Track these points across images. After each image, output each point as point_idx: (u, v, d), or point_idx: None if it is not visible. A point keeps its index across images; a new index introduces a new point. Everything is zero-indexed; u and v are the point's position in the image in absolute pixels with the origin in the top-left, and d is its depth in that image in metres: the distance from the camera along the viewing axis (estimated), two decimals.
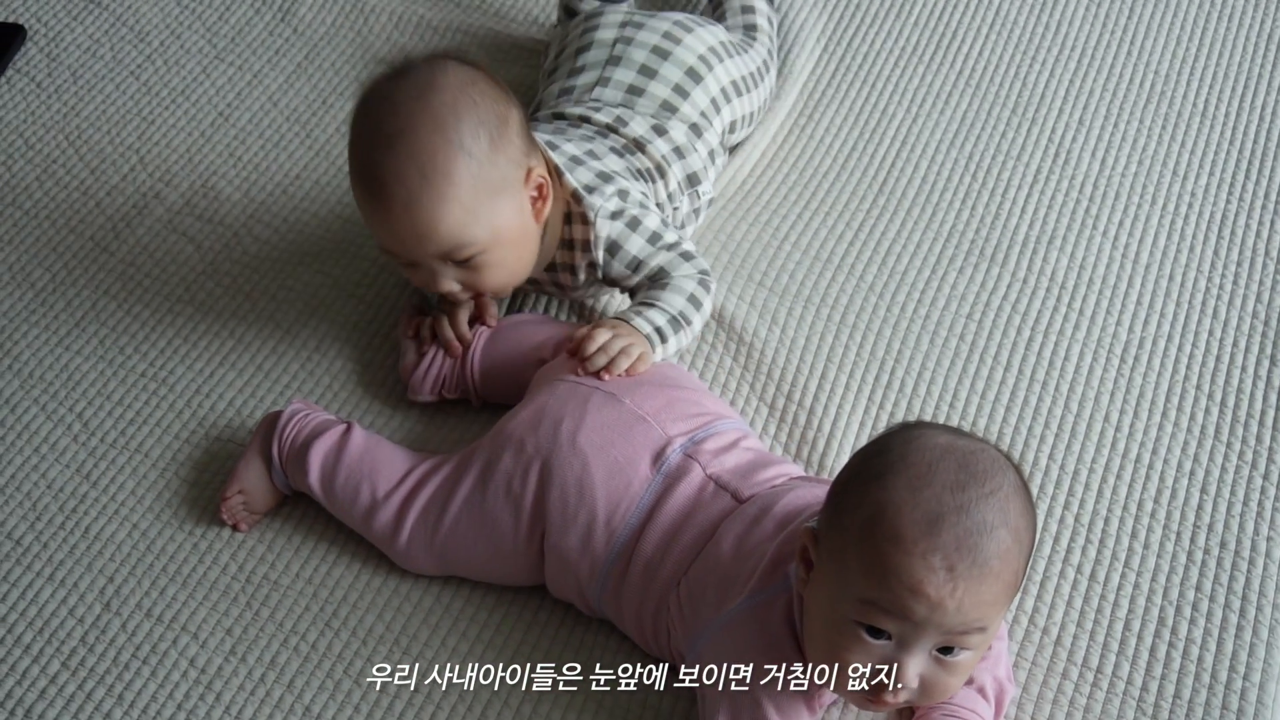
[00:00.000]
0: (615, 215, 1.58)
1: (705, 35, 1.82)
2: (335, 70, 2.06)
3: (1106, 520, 1.55)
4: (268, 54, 2.09)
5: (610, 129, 1.69)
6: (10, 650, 1.47)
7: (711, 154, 1.77)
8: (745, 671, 1.29)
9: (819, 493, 1.39)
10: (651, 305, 1.57)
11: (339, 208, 1.88)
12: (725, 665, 1.31)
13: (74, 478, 1.61)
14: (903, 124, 1.98)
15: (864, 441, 1.60)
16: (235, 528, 1.56)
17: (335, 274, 1.80)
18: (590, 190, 1.58)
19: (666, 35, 1.79)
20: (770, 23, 1.97)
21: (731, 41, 1.86)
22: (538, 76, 2.04)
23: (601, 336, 1.50)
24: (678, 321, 1.57)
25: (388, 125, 1.45)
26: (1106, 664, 1.44)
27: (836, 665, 1.21)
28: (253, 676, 1.45)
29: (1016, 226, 1.85)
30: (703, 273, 1.61)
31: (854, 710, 1.39)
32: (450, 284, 1.53)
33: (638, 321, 1.55)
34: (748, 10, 1.95)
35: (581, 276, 1.63)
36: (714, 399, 1.54)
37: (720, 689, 1.30)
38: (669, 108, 1.74)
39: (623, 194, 1.60)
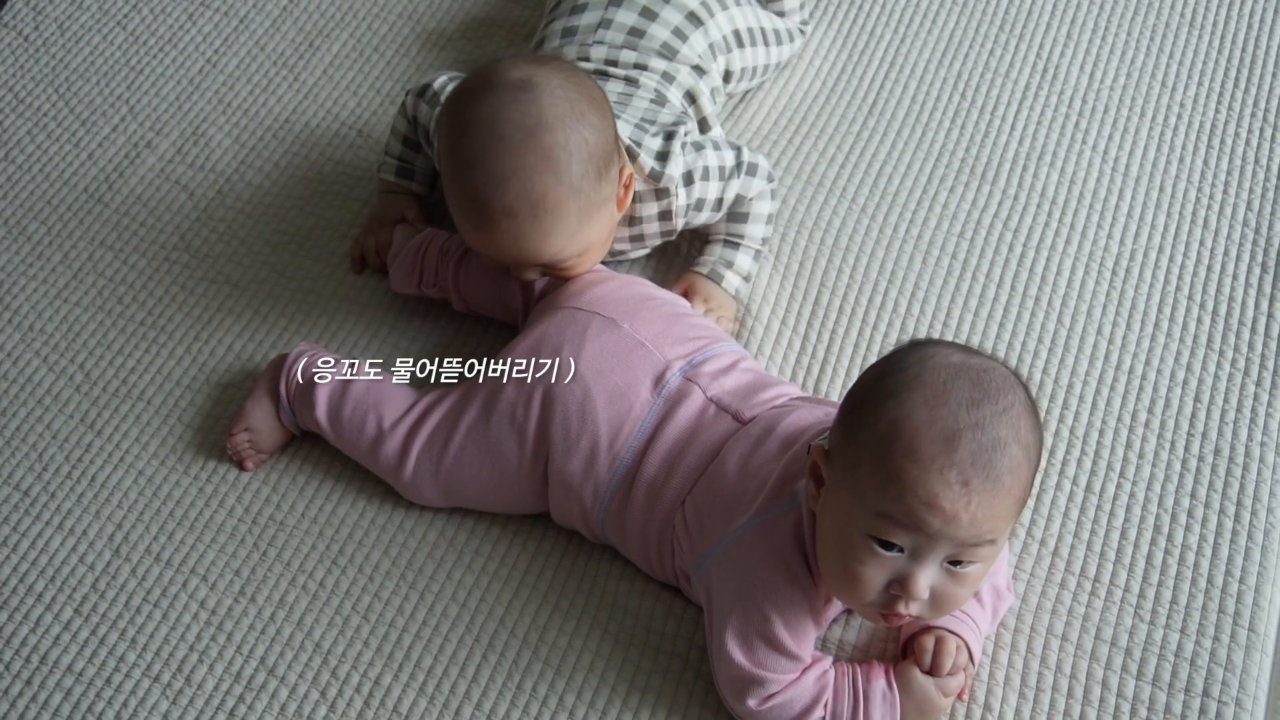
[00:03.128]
0: (688, 180, 1.60)
1: None
2: (321, 12, 2.06)
3: (1101, 432, 1.56)
4: None
5: (630, 80, 1.69)
6: (24, 599, 1.50)
7: (714, 93, 1.77)
8: (753, 587, 1.31)
9: (820, 413, 1.41)
10: (737, 245, 1.67)
11: (329, 150, 1.88)
12: (734, 581, 1.33)
13: (78, 427, 1.63)
14: (891, 44, 1.98)
15: (859, 363, 1.62)
16: (241, 466, 1.58)
17: (328, 215, 1.81)
18: (663, 159, 1.58)
19: None
20: (798, 4, 1.94)
21: None
22: (520, 13, 2.04)
23: (699, 311, 1.59)
24: (760, 252, 1.69)
25: (498, 165, 1.41)
26: (1104, 572, 1.46)
27: (849, 578, 1.23)
28: (262, 616, 1.47)
29: (1006, 144, 1.85)
30: (770, 178, 1.67)
31: (855, 627, 1.41)
32: (534, 275, 1.54)
33: (729, 279, 1.66)
34: None
35: (654, 242, 1.66)
36: (707, 323, 1.55)
37: (728, 605, 1.33)
38: (669, 50, 1.73)
39: (684, 145, 1.60)
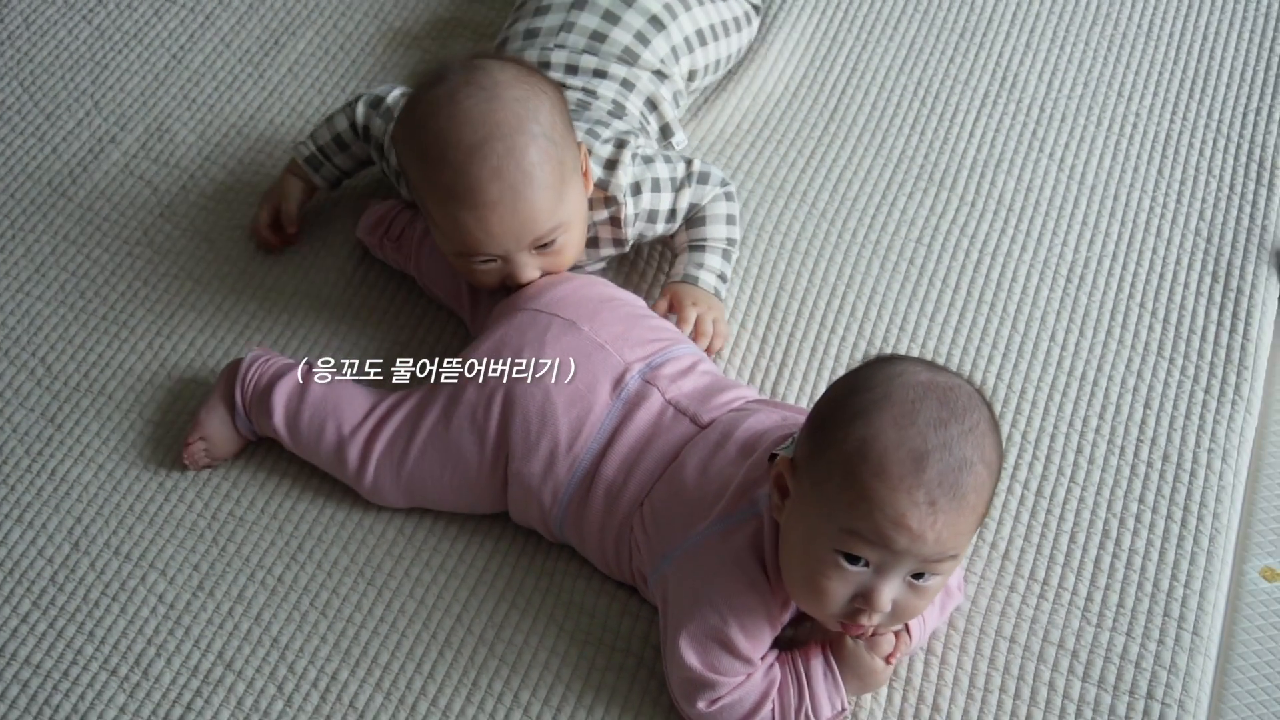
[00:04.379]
0: (636, 190, 1.61)
1: None
2: (287, 10, 2.06)
3: (1053, 437, 1.59)
4: None
5: (588, 90, 1.71)
6: None
7: (676, 97, 1.79)
8: (712, 591, 1.33)
9: (778, 416, 1.43)
10: (701, 248, 1.66)
11: (294, 147, 1.88)
12: (691, 585, 1.34)
13: (39, 421, 1.63)
14: (853, 51, 2.00)
15: (816, 367, 1.64)
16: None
17: None
18: (611, 167, 1.59)
19: None
20: None
21: None
22: (486, 14, 2.05)
23: (691, 315, 1.60)
24: (729, 251, 1.67)
25: (470, 134, 1.44)
26: (1053, 575, 1.48)
27: (815, 591, 1.25)
28: (220, 610, 1.48)
29: (965, 150, 1.87)
30: (723, 184, 1.68)
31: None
32: (533, 272, 1.54)
33: (703, 278, 1.64)
34: None
35: (606, 251, 1.66)
36: (665, 324, 1.57)
37: (684, 609, 1.34)
38: (631, 54, 1.74)
39: (634, 158, 1.61)
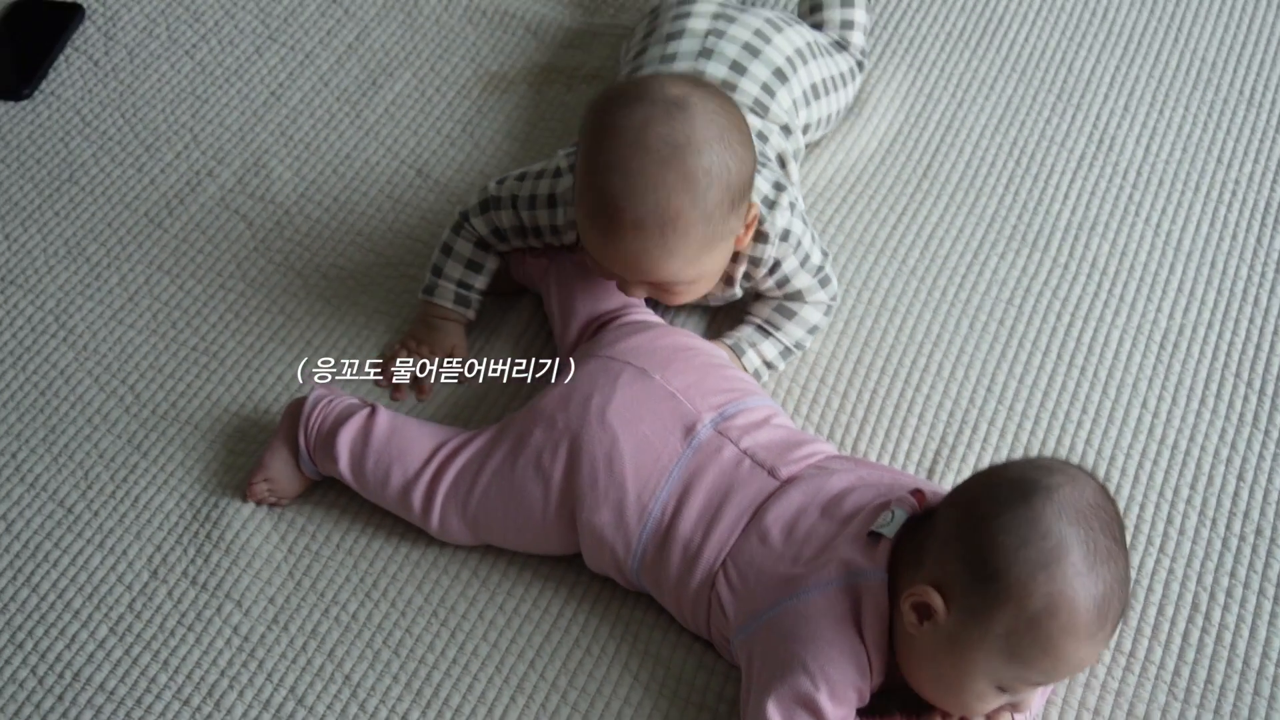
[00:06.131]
0: (785, 236, 1.59)
1: (794, 35, 1.81)
2: (385, 51, 2.09)
3: (1142, 506, 1.55)
4: (319, 34, 2.11)
5: None
6: (60, 615, 1.51)
7: (797, 154, 1.77)
8: (806, 657, 1.30)
9: (855, 476, 1.41)
10: (770, 333, 1.64)
11: (389, 188, 1.90)
12: (783, 649, 1.32)
13: (125, 448, 1.65)
14: (948, 109, 1.99)
15: (899, 425, 1.62)
16: None
17: (386, 253, 1.82)
18: (771, 206, 1.58)
19: (758, 33, 1.78)
20: (865, 35, 1.95)
21: (818, 41, 1.85)
22: (583, 59, 2.06)
23: None
24: (790, 352, 1.66)
25: (638, 176, 1.41)
26: (1139, 648, 1.45)
27: (962, 707, 1.29)
28: (294, 645, 1.48)
29: (1059, 212, 1.85)
30: (832, 299, 1.66)
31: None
32: (640, 294, 1.54)
33: (749, 358, 1.63)
34: (847, 26, 1.93)
35: (737, 289, 1.64)
36: (742, 375, 1.56)
37: (773, 670, 1.31)
38: (760, 107, 1.73)
39: (792, 205, 1.60)
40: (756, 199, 1.55)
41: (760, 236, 1.57)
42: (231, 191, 1.91)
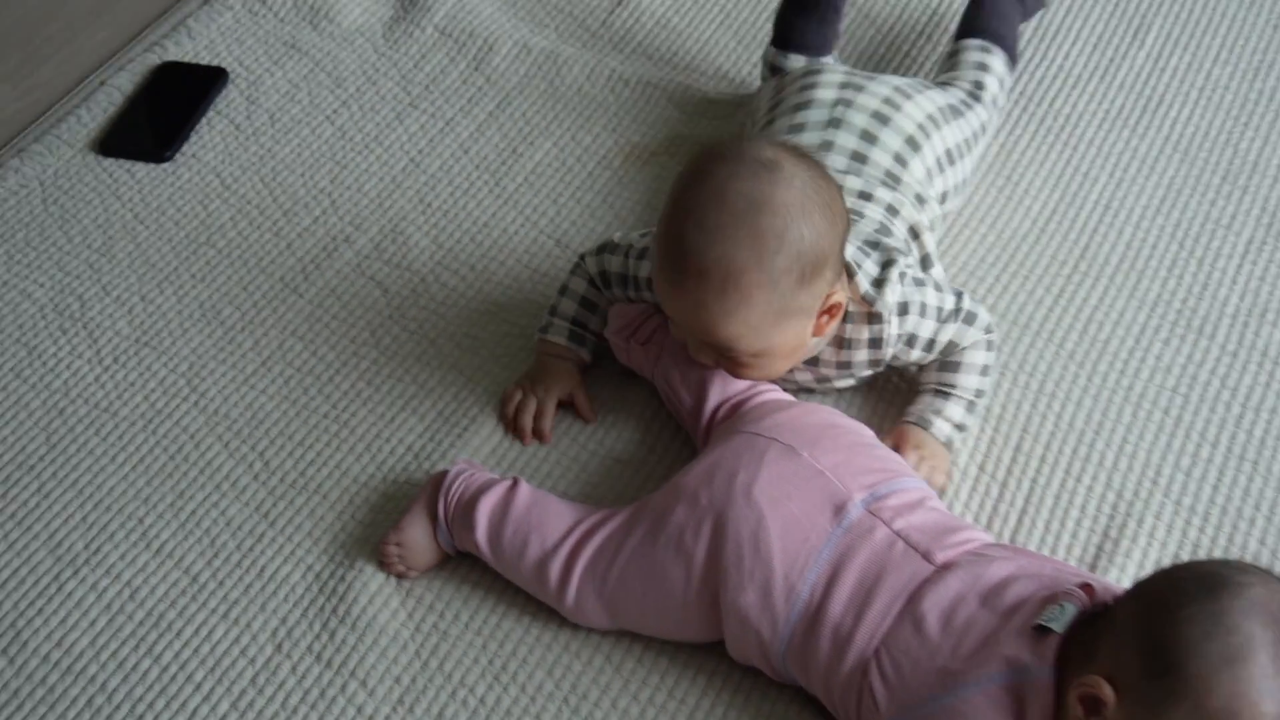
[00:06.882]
0: (903, 310, 1.53)
1: (924, 101, 1.77)
2: (526, 120, 2.06)
3: None
4: (460, 102, 2.09)
5: (854, 211, 1.62)
6: (182, 687, 1.47)
7: (933, 224, 1.72)
8: None
9: (1014, 566, 1.34)
10: (947, 395, 1.58)
11: (526, 257, 1.87)
12: None
13: (252, 516, 1.61)
14: (1106, 188, 1.91)
15: (1060, 516, 1.54)
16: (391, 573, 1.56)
17: (521, 324, 1.78)
18: (879, 285, 1.53)
19: (887, 100, 1.74)
20: (1001, 85, 1.90)
21: (949, 105, 1.80)
22: (727, 131, 2.02)
23: (912, 461, 1.52)
24: (974, 405, 1.59)
25: (709, 224, 1.39)
26: None
27: None
28: None
29: (1226, 298, 1.76)
30: (988, 331, 1.59)
31: None
32: (705, 359, 1.51)
33: (938, 426, 1.57)
34: (981, 68, 1.89)
35: (861, 372, 1.60)
36: (893, 455, 1.49)
37: None
38: (892, 178, 1.68)
39: (903, 275, 1.54)
40: (864, 280, 1.51)
41: (874, 318, 1.52)
42: (368, 258, 1.88)
